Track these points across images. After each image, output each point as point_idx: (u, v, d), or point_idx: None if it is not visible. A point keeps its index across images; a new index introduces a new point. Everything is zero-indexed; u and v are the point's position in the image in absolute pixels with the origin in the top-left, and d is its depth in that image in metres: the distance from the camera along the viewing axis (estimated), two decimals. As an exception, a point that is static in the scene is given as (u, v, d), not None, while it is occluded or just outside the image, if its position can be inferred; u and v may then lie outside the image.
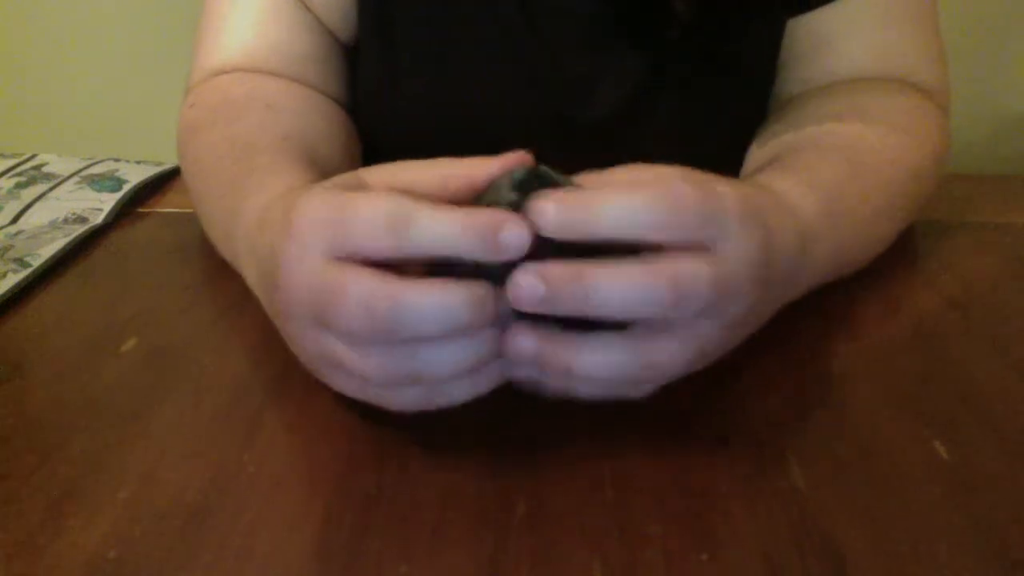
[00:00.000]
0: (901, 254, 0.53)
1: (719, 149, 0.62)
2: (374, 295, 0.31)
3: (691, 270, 0.32)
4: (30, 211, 0.59)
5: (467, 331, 0.32)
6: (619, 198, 0.32)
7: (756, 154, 0.53)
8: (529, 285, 0.32)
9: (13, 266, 0.51)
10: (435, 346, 0.32)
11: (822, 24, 0.57)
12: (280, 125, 0.51)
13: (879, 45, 0.56)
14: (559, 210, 0.32)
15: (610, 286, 0.32)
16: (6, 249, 0.53)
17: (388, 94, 0.61)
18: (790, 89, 0.59)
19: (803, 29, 0.57)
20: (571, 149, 0.62)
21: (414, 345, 0.32)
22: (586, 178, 0.36)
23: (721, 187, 0.34)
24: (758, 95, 0.60)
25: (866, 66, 0.56)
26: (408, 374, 0.33)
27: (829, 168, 0.46)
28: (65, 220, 0.58)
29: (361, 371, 0.34)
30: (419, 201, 0.32)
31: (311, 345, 0.35)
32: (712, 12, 0.55)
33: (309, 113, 0.55)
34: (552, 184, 0.34)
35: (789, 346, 0.44)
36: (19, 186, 0.63)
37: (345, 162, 0.55)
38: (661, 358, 0.34)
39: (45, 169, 0.66)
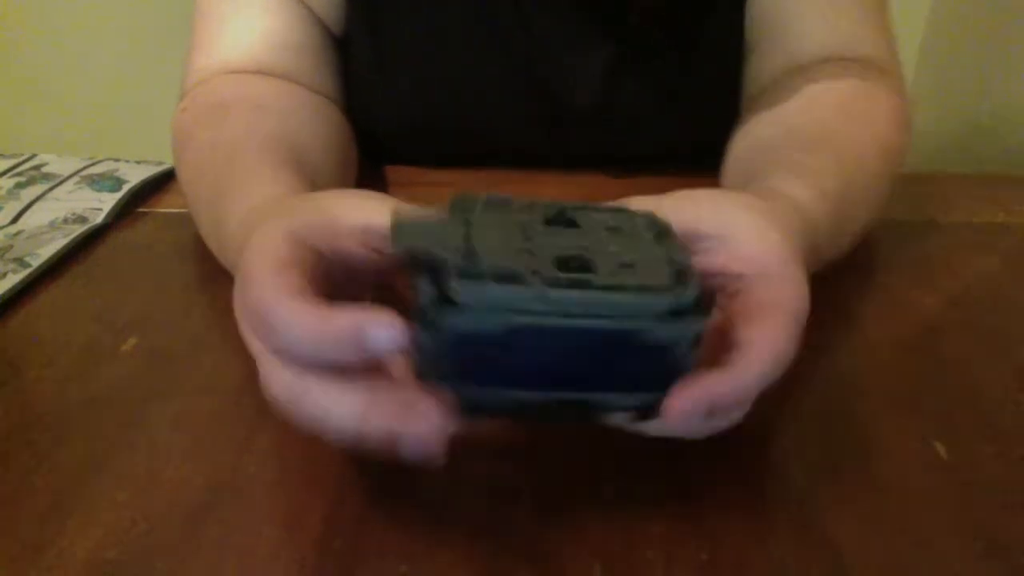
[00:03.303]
0: (901, 254, 0.53)
1: (692, 123, 0.64)
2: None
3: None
4: (30, 211, 0.59)
5: None
6: None
7: (742, 150, 0.54)
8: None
9: (13, 266, 0.51)
10: None
11: (774, 8, 0.59)
12: (266, 125, 0.50)
13: (831, 25, 0.58)
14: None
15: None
16: (6, 249, 0.53)
17: (378, 84, 0.62)
18: (754, 79, 0.61)
19: (756, 15, 0.60)
20: (555, 136, 0.64)
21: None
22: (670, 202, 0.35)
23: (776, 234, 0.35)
24: (726, 67, 0.63)
25: (824, 47, 0.58)
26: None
27: (819, 163, 0.46)
28: (65, 220, 0.58)
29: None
30: (280, 303, 0.30)
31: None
32: None
33: (299, 112, 0.55)
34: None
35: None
36: (19, 186, 0.63)
37: (337, 160, 0.55)
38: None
39: (45, 169, 0.66)
